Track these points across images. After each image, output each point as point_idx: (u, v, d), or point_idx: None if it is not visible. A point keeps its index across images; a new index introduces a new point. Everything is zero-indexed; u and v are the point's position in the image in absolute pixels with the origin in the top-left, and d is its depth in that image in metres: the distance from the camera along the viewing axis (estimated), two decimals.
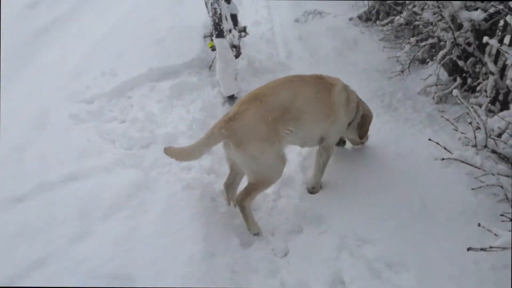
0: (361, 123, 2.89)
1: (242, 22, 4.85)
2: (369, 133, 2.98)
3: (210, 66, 4.33)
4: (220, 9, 3.64)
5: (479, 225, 1.94)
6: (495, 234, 1.89)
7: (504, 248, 1.84)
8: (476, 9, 3.15)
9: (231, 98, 3.86)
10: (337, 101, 2.67)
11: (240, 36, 4.33)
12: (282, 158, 2.52)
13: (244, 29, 4.47)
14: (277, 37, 5.18)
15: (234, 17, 4.61)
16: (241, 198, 2.51)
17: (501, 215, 2.07)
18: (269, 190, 2.83)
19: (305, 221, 2.56)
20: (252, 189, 2.50)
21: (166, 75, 4.23)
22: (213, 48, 3.86)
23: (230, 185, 2.71)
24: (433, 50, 3.86)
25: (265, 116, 2.43)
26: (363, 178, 2.78)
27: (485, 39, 2.63)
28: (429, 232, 2.36)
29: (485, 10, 3.01)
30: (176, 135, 3.32)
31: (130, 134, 3.33)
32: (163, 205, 2.64)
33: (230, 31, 3.94)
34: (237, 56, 4.02)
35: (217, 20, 3.59)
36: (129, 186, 2.79)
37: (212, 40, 3.87)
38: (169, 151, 2.55)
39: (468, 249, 1.90)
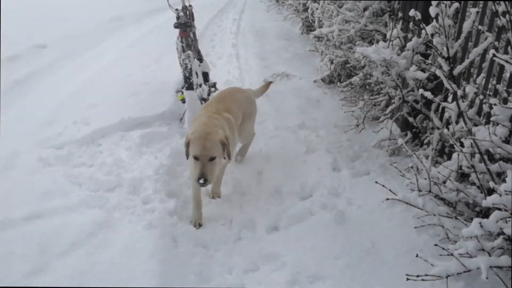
0: None
1: (215, 80, 5.18)
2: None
3: (181, 119, 4.53)
4: (191, 65, 3.93)
5: (416, 256, 2.10)
6: (432, 264, 2.05)
7: (438, 277, 1.99)
8: (422, 70, 3.52)
9: None
10: None
11: (210, 91, 4.61)
12: None
13: (214, 85, 4.78)
14: None
15: (205, 75, 4.94)
16: None
17: (435, 245, 2.22)
18: (230, 232, 2.95)
19: (261, 259, 2.65)
20: None
21: (138, 125, 4.38)
22: (183, 101, 4.10)
23: None
24: (387, 108, 4.19)
25: None
26: (316, 219, 2.93)
27: (427, 94, 2.96)
28: (377, 270, 2.48)
29: (423, 71, 3.37)
30: (142, 179, 3.42)
31: (96, 177, 3.43)
32: (124, 243, 2.70)
33: (200, 85, 4.22)
34: None
35: (187, 74, 3.86)
36: (91, 225, 2.85)
37: (182, 93, 4.12)
38: None
39: (407, 278, 2.04)
